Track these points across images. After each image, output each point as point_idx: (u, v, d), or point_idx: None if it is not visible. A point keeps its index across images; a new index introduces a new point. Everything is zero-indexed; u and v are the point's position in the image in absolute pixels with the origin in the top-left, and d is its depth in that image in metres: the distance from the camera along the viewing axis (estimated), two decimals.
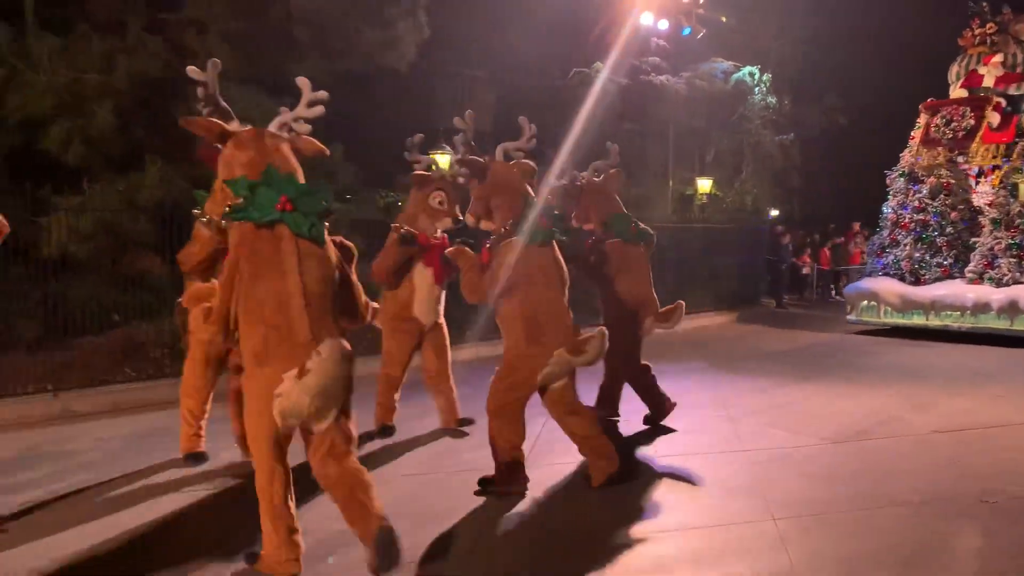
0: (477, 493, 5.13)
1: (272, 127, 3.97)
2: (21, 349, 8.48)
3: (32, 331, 8.68)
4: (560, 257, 5.33)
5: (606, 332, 4.99)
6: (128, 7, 10.49)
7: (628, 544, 4.40)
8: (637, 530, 4.60)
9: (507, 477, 5.15)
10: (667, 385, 7.06)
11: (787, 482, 5.43)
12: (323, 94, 4.04)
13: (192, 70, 3.99)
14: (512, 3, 16.18)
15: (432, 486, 5.39)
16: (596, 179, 7.07)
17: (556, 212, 5.46)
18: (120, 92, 9.82)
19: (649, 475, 5.60)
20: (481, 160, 5.34)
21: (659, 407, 6.96)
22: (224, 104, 4.00)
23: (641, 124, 18.81)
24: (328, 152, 4.26)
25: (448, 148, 7.40)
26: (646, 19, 16.86)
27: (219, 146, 3.99)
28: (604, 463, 5.27)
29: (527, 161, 5.48)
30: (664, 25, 17.20)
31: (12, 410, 7.25)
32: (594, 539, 4.48)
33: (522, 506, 4.97)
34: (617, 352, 6.12)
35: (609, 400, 7.13)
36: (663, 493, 5.23)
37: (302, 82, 4.01)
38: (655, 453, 6.17)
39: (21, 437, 6.71)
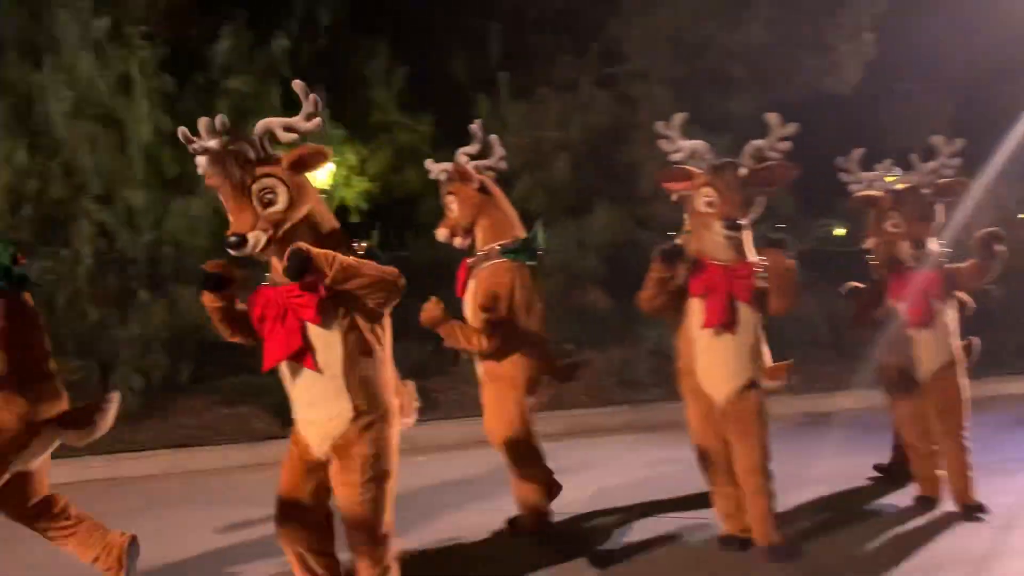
0: None
1: (464, 168, 5.43)
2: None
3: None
4: None
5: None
6: (582, 67, 11.61)
7: None
8: None
9: None
10: None
11: None
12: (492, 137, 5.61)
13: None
14: (973, 7, 14.44)
15: None
16: None
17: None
18: (574, 144, 10.90)
19: None
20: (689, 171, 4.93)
21: None
22: None
23: None
24: None
25: (899, 169, 6.89)
26: None
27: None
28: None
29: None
30: None
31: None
32: None
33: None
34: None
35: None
36: None
37: (474, 128, 5.52)
38: None
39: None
